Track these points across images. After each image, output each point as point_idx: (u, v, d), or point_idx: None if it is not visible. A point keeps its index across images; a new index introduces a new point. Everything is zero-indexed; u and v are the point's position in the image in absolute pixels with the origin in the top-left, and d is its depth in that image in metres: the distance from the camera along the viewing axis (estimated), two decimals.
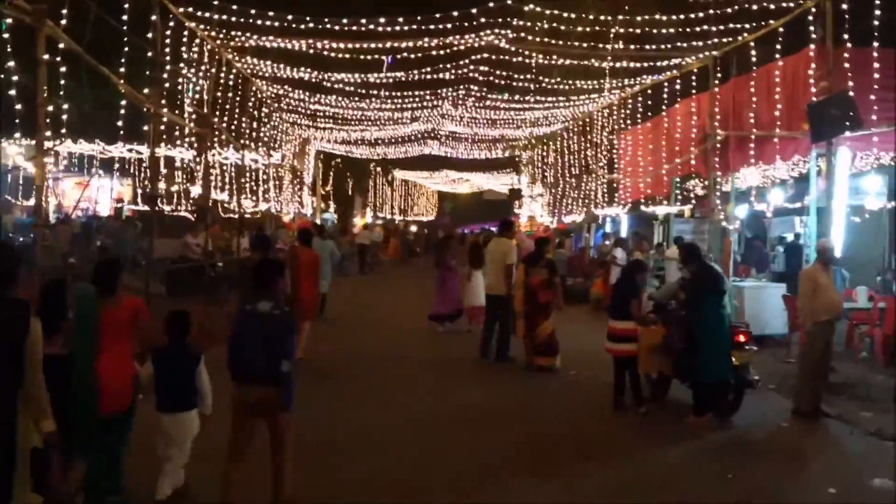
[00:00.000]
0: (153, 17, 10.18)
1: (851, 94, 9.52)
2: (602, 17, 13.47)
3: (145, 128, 11.21)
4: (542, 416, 7.92)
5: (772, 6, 11.31)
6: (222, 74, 14.97)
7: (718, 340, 7.51)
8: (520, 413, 8.04)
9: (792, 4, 10.85)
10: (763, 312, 11.62)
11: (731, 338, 7.67)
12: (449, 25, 12.88)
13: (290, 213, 25.50)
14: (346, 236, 30.00)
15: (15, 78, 7.58)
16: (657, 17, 13.05)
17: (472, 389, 9.12)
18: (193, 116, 13.79)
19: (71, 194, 20.70)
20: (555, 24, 13.62)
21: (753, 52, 12.28)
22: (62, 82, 8.33)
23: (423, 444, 6.83)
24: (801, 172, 13.98)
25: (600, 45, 14.52)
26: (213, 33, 13.16)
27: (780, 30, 11.45)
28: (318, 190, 32.70)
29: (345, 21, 12.52)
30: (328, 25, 12.57)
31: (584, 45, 14.39)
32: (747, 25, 12.17)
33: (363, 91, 17.89)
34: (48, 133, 7.64)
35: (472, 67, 16.28)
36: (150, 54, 10.32)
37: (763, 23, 11.88)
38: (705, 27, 12.49)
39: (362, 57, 14.49)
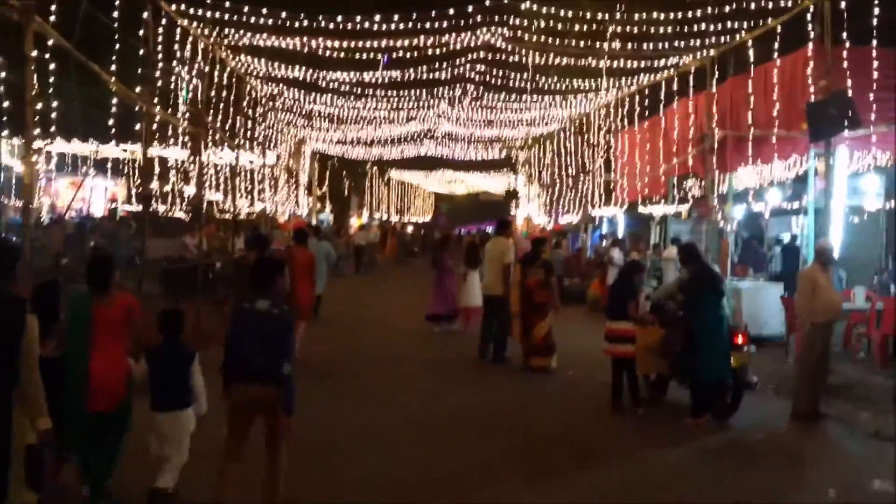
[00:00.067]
0: (145, 15, 10.07)
1: (850, 93, 9.46)
2: (599, 16, 13.39)
3: (137, 127, 11.09)
4: (540, 418, 7.85)
5: (770, 5, 11.25)
6: (216, 73, 14.86)
7: (717, 341, 7.44)
8: (517, 414, 7.98)
9: (790, 3, 10.79)
10: (761, 313, 11.55)
11: (729, 339, 7.60)
12: (445, 24, 12.81)
13: (286, 213, 25.39)
14: (342, 237, 29.88)
15: (2, 74, 7.47)
16: (655, 16, 12.98)
17: (470, 390, 9.07)
18: (187, 115, 13.69)
19: (64, 194, 20.58)
20: (551, 23, 13.55)
21: (751, 52, 12.21)
22: (51, 80, 8.23)
23: (422, 445, 6.82)
24: (799, 174, 13.95)
25: (597, 44, 14.45)
26: (207, 31, 13.04)
27: (778, 29, 11.38)
28: (314, 190, 32.59)
29: (340, 18, 12.43)
30: (323, 23, 12.48)
31: (581, 44, 14.33)
32: (745, 24, 12.11)
33: (359, 90, 17.82)
34: (37, 132, 7.54)
35: (468, 66, 16.21)
36: (141, 52, 10.21)
37: (761, 22, 11.81)
38: (703, 26, 12.43)
39: (358, 56, 14.39)
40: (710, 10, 12.21)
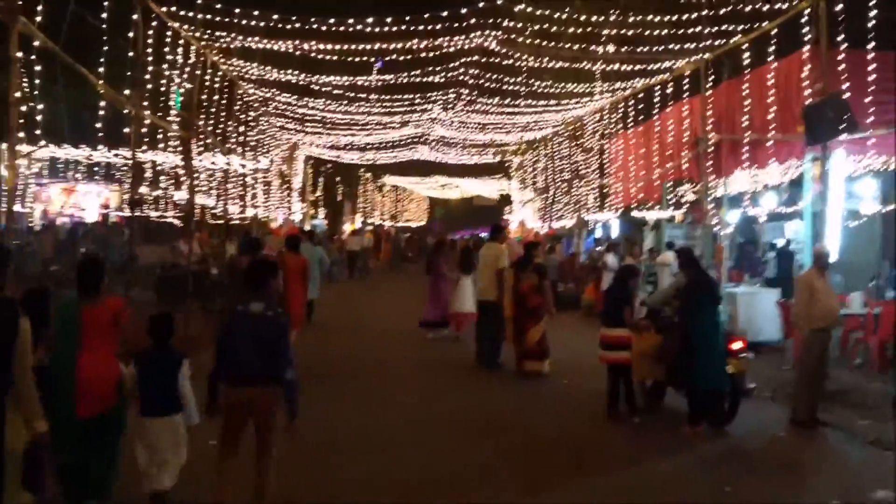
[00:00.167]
0: (134, 16, 9.93)
1: (847, 95, 9.40)
2: (593, 19, 13.31)
3: (126, 130, 10.93)
4: (535, 425, 7.77)
5: (765, 7, 11.19)
6: (207, 76, 14.71)
7: (714, 347, 7.34)
8: (512, 421, 7.90)
9: (785, 6, 10.72)
10: (757, 318, 11.45)
11: (726, 345, 7.50)
12: (438, 26, 12.69)
13: (279, 218, 25.22)
14: (335, 243, 29.71)
15: None
16: (649, 18, 12.91)
17: (465, 393, 9.09)
18: (178, 119, 13.53)
19: (56, 200, 20.39)
20: (545, 26, 13.45)
21: (746, 55, 12.14)
22: (37, 81, 8.08)
23: (421, 445, 6.89)
24: (793, 179, 13.85)
25: (592, 48, 14.38)
26: (198, 34, 12.90)
27: (774, 32, 11.31)
28: (307, 195, 32.44)
29: (332, 21, 12.31)
30: (315, 26, 12.35)
31: (576, 47, 14.25)
32: (740, 27, 12.04)
33: (352, 94, 17.68)
34: (21, 135, 7.39)
35: (462, 70, 16.10)
36: (131, 54, 10.06)
37: (756, 24, 11.74)
38: (698, 29, 12.36)
39: (350, 59, 14.27)
40: (705, 12, 12.12)
